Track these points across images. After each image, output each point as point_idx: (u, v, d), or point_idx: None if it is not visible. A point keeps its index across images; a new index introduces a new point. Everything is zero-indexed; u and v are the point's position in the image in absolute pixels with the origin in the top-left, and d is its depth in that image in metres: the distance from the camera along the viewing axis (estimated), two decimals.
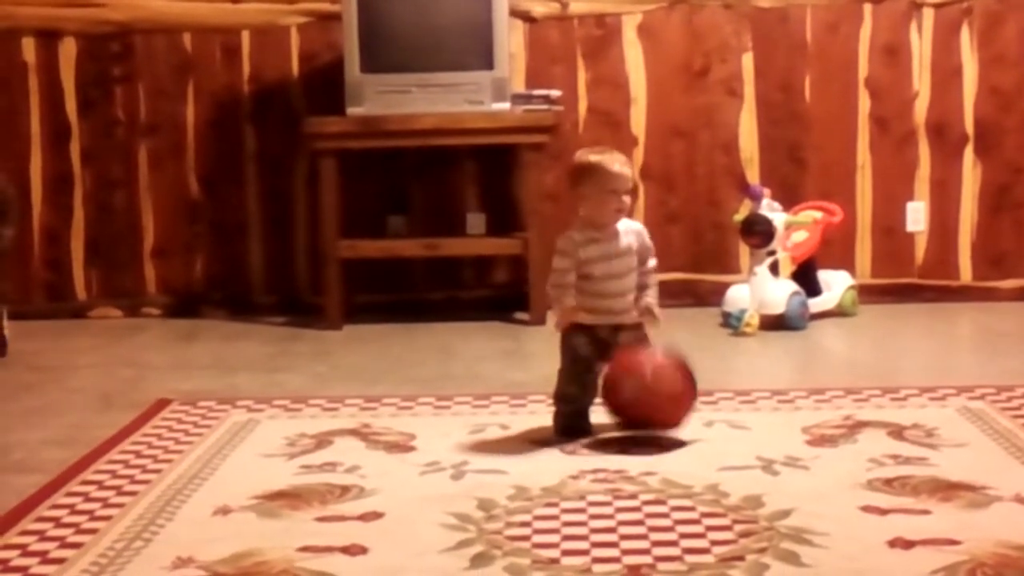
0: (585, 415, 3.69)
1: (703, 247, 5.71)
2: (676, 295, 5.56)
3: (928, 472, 3.26)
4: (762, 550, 2.75)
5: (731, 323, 5.13)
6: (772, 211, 5.23)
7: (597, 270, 3.62)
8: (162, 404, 4.16)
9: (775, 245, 5.19)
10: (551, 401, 3.75)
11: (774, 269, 5.18)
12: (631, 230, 3.68)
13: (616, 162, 3.61)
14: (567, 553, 2.76)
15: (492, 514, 3.02)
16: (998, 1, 5.59)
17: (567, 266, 3.63)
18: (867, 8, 5.62)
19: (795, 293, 5.16)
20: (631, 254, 3.66)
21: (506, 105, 5.34)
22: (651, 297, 3.67)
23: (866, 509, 2.99)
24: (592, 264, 3.62)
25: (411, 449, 3.60)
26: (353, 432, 3.77)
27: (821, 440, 3.57)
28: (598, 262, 3.62)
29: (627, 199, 3.63)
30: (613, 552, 2.76)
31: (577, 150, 3.84)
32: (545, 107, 5.44)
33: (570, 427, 3.66)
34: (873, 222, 5.70)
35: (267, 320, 5.64)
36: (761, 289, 5.14)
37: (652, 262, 3.70)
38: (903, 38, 5.63)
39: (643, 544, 2.81)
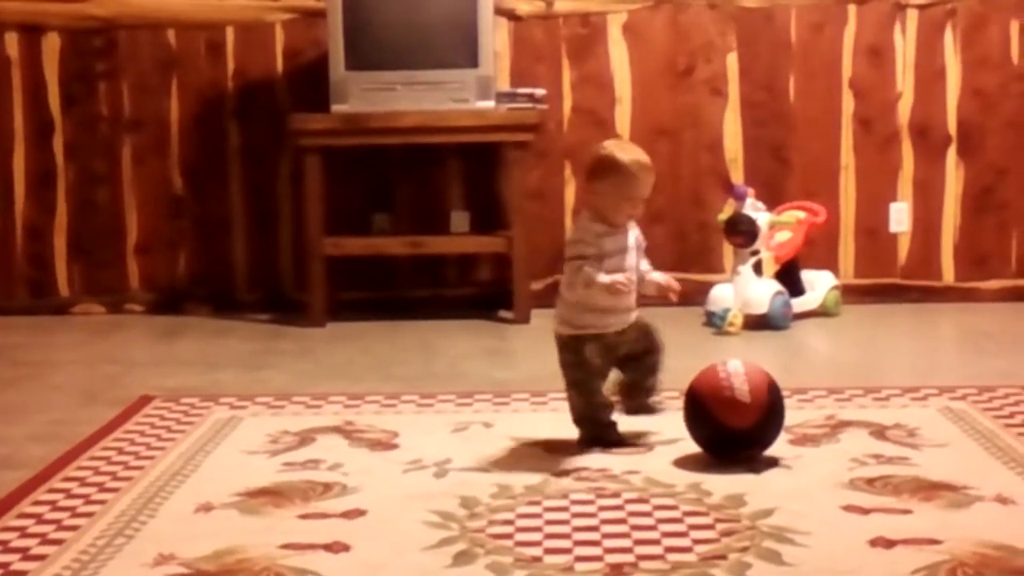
0: (615, 424, 3.56)
1: (687, 246, 5.72)
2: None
3: (910, 472, 3.27)
4: (744, 549, 2.75)
5: (714, 322, 5.14)
6: (756, 211, 5.24)
7: (611, 265, 3.45)
8: (145, 401, 4.15)
9: (759, 245, 5.20)
10: (576, 422, 3.57)
11: (758, 269, 5.19)
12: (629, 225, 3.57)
13: (643, 168, 3.45)
14: (549, 551, 2.77)
15: (475, 512, 3.02)
16: (981, 3, 5.61)
17: (592, 253, 3.42)
18: (851, 9, 5.63)
19: (778, 293, 5.18)
20: (637, 249, 3.54)
21: (491, 103, 5.34)
22: (657, 274, 3.57)
23: (848, 508, 3.00)
24: (608, 259, 3.45)
25: (394, 447, 3.59)
26: (336, 430, 3.77)
27: (803, 439, 3.58)
28: (614, 256, 3.46)
29: (641, 204, 3.50)
30: (595, 551, 2.77)
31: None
32: (529, 106, 5.44)
33: (611, 440, 3.51)
34: (856, 222, 5.71)
35: (250, 317, 5.63)
36: (744, 288, 5.15)
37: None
38: (887, 39, 5.65)
39: (625, 543, 2.81)
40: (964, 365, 4.64)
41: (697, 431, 3.40)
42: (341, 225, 5.53)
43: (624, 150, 3.50)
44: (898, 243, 5.73)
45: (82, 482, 3.31)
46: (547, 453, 3.50)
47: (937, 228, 5.71)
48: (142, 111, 5.73)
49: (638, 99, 5.68)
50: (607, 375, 3.57)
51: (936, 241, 5.72)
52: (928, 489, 3.13)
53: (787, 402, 3.94)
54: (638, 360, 3.58)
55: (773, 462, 3.36)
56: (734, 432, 3.32)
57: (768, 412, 3.34)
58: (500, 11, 5.55)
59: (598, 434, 3.54)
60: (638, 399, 3.63)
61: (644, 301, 3.62)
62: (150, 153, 5.75)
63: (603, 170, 3.47)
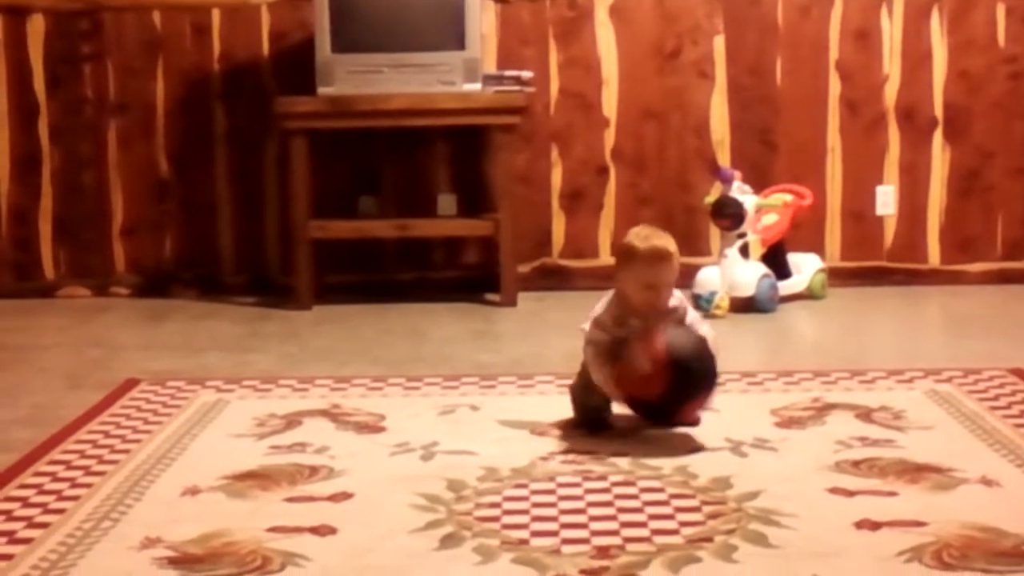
0: (609, 409, 3.57)
1: (674, 229, 5.60)
2: None
3: (895, 454, 3.28)
4: (730, 531, 2.76)
5: (701, 305, 5.14)
6: (743, 194, 5.24)
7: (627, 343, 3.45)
8: (131, 384, 4.14)
9: (745, 228, 5.21)
10: (569, 394, 3.62)
11: (744, 252, 5.20)
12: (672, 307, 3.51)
13: (658, 255, 3.42)
14: (536, 534, 2.77)
15: (462, 495, 3.02)
16: None
17: (606, 340, 3.44)
18: None
19: (765, 276, 5.18)
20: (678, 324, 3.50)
21: (477, 86, 5.33)
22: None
23: (834, 491, 3.01)
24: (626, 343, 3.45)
25: (381, 430, 3.59)
26: (323, 413, 3.77)
27: (790, 422, 3.58)
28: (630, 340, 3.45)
29: (667, 291, 3.45)
30: (582, 533, 2.77)
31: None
32: (516, 88, 5.43)
33: (598, 420, 3.53)
34: (843, 205, 5.72)
35: (237, 300, 5.62)
36: (731, 271, 5.16)
37: (692, 315, 3.55)
38: (874, 22, 5.65)
39: (612, 525, 2.81)
40: (949, 348, 4.65)
41: (637, 412, 3.45)
42: (327, 208, 5.53)
43: (643, 238, 3.47)
44: (884, 226, 5.74)
45: (68, 465, 3.31)
46: (534, 436, 3.50)
47: (923, 211, 5.72)
48: (127, 94, 5.71)
49: (625, 81, 5.68)
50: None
51: (922, 224, 5.73)
52: (914, 471, 3.14)
53: (773, 384, 3.96)
54: None
55: (759, 444, 3.37)
56: (654, 401, 3.35)
57: (673, 372, 3.30)
58: None
59: (584, 417, 3.56)
60: None
61: None
62: (136, 136, 5.74)
63: (622, 258, 3.48)
